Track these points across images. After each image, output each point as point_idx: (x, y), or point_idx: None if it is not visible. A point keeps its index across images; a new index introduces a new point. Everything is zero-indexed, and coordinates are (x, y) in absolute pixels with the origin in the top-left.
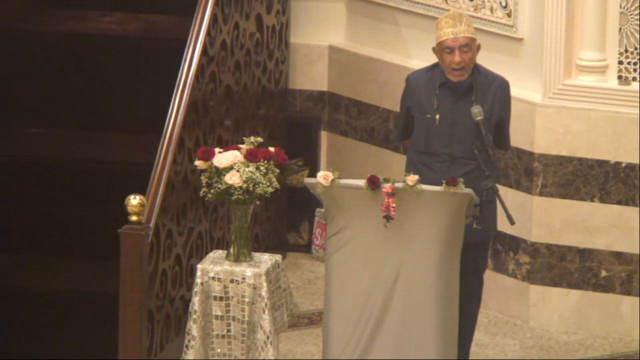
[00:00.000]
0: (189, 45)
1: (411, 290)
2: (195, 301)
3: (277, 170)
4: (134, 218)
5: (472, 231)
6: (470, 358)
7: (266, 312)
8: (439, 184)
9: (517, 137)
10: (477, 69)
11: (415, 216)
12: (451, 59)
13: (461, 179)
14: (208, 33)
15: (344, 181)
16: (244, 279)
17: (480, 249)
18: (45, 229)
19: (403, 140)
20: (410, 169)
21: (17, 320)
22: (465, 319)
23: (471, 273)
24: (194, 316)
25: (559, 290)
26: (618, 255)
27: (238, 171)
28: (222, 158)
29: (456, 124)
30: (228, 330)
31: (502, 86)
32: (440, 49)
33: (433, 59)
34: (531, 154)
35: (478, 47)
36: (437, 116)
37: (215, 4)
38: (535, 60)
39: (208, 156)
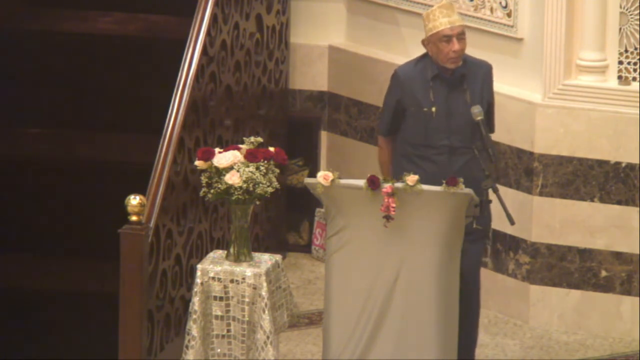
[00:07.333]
0: (189, 45)
1: (411, 290)
2: (195, 301)
3: (277, 171)
4: (134, 218)
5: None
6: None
7: (266, 312)
8: (438, 176)
9: (517, 137)
10: (464, 59)
11: (415, 216)
12: (450, 48)
13: (461, 179)
14: (208, 33)
15: (344, 181)
16: (244, 279)
17: (478, 243)
18: (45, 229)
19: (389, 135)
20: (402, 163)
21: (17, 320)
22: (470, 312)
23: (472, 267)
24: (194, 316)
25: (559, 290)
26: (618, 255)
27: (238, 171)
28: (222, 158)
29: (452, 114)
30: (228, 330)
31: (487, 71)
32: (437, 38)
33: None
34: (531, 154)
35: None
36: (434, 109)
37: (215, 4)
38: (535, 60)
39: (208, 156)
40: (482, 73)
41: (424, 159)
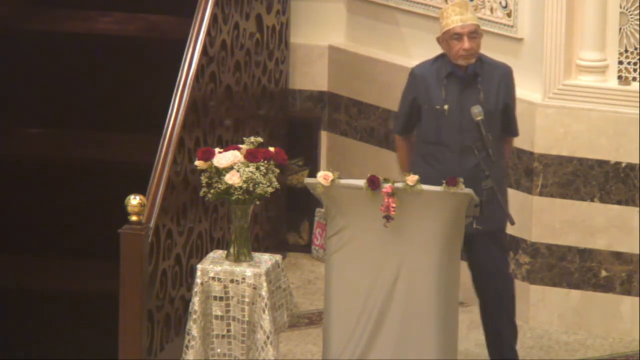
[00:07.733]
0: (189, 45)
1: (411, 290)
2: (195, 301)
3: (277, 171)
4: (134, 218)
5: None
6: (470, 358)
7: (266, 312)
8: (450, 175)
9: (518, 137)
10: (480, 58)
11: (415, 216)
12: (460, 46)
13: (461, 179)
14: (208, 33)
15: (344, 181)
16: (244, 279)
17: (490, 243)
18: (46, 229)
19: (404, 133)
20: (418, 162)
21: (17, 320)
22: (508, 310)
23: (495, 266)
24: (194, 316)
25: (559, 290)
26: (618, 255)
27: (238, 171)
28: (222, 158)
29: (464, 113)
30: (228, 330)
31: (506, 73)
32: (448, 36)
33: None
34: (531, 154)
35: (481, 35)
36: (446, 106)
37: (215, 4)
38: (535, 60)
39: (208, 156)
40: (498, 74)
41: (436, 157)
